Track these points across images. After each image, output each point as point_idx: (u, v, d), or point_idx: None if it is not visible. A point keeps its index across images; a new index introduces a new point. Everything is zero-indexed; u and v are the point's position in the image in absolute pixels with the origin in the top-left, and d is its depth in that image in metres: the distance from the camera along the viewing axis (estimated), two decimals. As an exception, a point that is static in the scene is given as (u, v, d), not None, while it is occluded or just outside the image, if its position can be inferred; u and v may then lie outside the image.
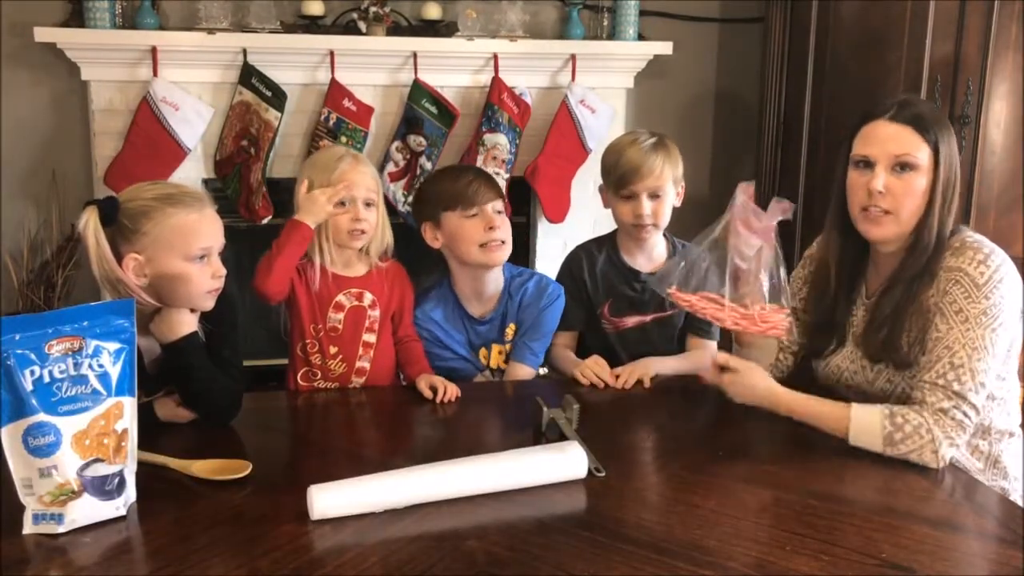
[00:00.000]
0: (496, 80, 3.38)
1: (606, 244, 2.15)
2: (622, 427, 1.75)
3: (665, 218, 2.04)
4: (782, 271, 1.62)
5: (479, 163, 3.40)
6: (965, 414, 1.50)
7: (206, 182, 3.35)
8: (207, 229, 1.55)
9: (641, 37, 3.56)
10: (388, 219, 1.97)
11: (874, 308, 1.68)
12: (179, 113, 3.18)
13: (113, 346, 1.27)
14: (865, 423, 1.52)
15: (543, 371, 2.42)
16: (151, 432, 1.50)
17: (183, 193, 1.56)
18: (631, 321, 2.11)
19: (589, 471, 1.41)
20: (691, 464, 1.49)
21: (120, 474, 1.27)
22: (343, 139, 3.30)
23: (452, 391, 1.79)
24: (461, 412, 1.82)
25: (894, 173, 1.59)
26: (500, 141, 3.41)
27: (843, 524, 1.29)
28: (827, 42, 3.22)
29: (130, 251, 1.51)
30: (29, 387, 1.20)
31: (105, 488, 1.26)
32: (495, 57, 3.39)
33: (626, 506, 1.34)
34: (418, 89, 3.33)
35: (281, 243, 1.81)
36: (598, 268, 2.12)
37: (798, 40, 3.29)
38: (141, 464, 1.34)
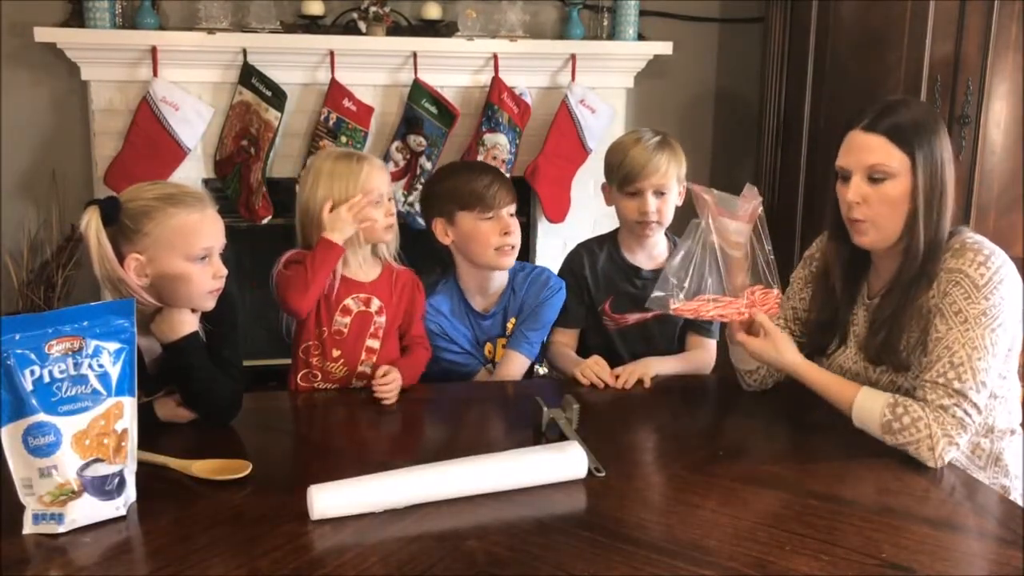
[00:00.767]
0: (496, 80, 3.38)
1: (607, 242, 2.16)
2: (622, 427, 1.75)
3: (669, 216, 2.05)
4: (769, 251, 1.64)
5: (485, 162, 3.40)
6: (966, 412, 1.50)
7: (206, 182, 3.35)
8: (208, 229, 1.55)
9: (641, 37, 3.56)
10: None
11: (874, 311, 1.68)
12: (179, 113, 3.18)
13: (113, 346, 1.27)
14: (868, 407, 1.54)
15: (543, 371, 2.42)
16: (151, 432, 1.50)
17: (184, 193, 1.56)
18: (632, 318, 2.11)
19: (589, 471, 1.41)
20: (691, 464, 1.49)
21: (120, 474, 1.27)
22: (343, 139, 3.30)
23: (390, 382, 1.77)
24: (461, 412, 1.82)
25: (869, 183, 1.60)
26: (500, 141, 3.41)
27: (843, 524, 1.29)
28: (827, 42, 3.22)
29: (131, 251, 1.51)
30: (29, 387, 1.20)
31: (105, 488, 1.26)
32: (495, 57, 3.39)
33: (626, 506, 1.34)
34: (418, 89, 3.34)
35: (316, 265, 1.80)
36: (599, 266, 2.12)
37: (798, 40, 3.29)
38: (141, 464, 1.34)
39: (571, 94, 3.46)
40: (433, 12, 3.37)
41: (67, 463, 1.23)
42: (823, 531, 1.26)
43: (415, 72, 3.34)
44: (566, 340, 2.14)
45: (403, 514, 1.29)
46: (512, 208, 2.01)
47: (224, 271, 1.58)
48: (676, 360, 2.05)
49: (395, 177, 3.40)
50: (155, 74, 3.16)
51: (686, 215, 2.09)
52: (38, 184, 3.34)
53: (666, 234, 2.13)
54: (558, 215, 3.57)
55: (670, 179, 2.01)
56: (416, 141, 3.37)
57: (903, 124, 1.58)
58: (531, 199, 3.63)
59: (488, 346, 2.08)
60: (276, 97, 3.22)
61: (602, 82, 3.53)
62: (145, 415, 1.47)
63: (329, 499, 1.27)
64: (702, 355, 2.10)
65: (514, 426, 1.74)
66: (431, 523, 1.28)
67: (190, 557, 1.17)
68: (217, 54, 3.23)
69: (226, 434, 1.60)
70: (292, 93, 3.27)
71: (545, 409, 1.58)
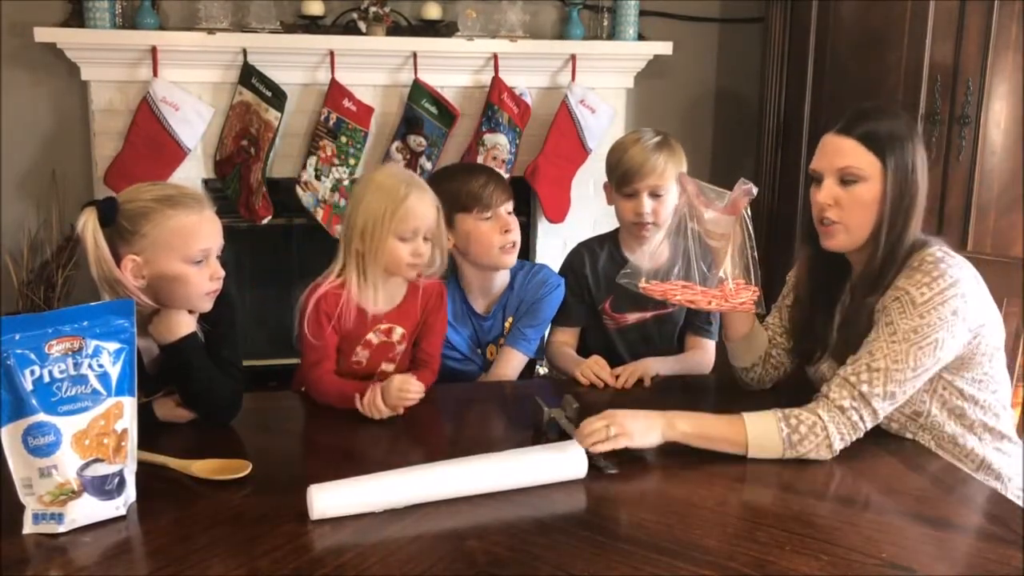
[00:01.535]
0: (496, 80, 3.38)
1: (608, 241, 2.16)
2: (622, 427, 1.75)
3: (667, 217, 2.04)
4: (751, 248, 1.63)
5: (479, 163, 3.40)
6: (862, 418, 1.52)
7: (206, 182, 3.35)
8: (206, 231, 1.55)
9: (641, 37, 3.56)
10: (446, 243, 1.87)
11: (843, 316, 1.69)
12: (179, 113, 3.18)
13: (113, 346, 1.27)
14: (761, 431, 1.51)
15: (543, 371, 2.42)
16: (151, 432, 1.50)
17: (182, 194, 1.55)
18: (632, 317, 2.11)
19: (595, 469, 1.41)
20: (691, 464, 1.49)
21: (120, 474, 1.27)
22: (343, 139, 3.30)
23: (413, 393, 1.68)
24: (461, 412, 1.82)
25: (841, 186, 1.61)
26: (500, 141, 3.41)
27: (843, 524, 1.29)
28: (827, 42, 3.22)
29: (128, 252, 1.51)
30: (29, 387, 1.20)
31: (105, 488, 1.26)
32: (495, 57, 3.39)
33: (626, 506, 1.34)
34: (418, 89, 3.34)
35: (332, 402, 1.72)
36: (600, 265, 2.13)
37: (798, 40, 3.29)
38: (141, 464, 1.34)
39: (571, 94, 3.46)
40: (433, 12, 3.37)
41: (67, 463, 1.23)
42: (823, 531, 1.26)
43: (415, 72, 3.34)
44: (566, 339, 2.14)
45: (403, 514, 1.29)
46: (510, 206, 2.01)
47: (221, 272, 1.57)
48: (675, 360, 2.06)
49: (395, 177, 3.40)
50: (155, 74, 3.16)
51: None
52: (38, 184, 3.34)
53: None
54: (558, 215, 3.57)
55: (667, 180, 2.01)
56: (416, 141, 3.37)
57: (876, 129, 1.60)
58: (531, 199, 3.63)
59: (490, 348, 2.07)
60: (276, 97, 3.22)
61: (602, 82, 3.53)
62: (144, 415, 1.47)
63: (329, 499, 1.27)
64: (701, 355, 2.10)
65: (514, 426, 1.74)
66: (431, 523, 1.28)
67: (190, 557, 1.17)
68: (217, 54, 3.23)
69: (226, 434, 1.60)
70: (292, 93, 3.27)
71: (546, 409, 1.58)
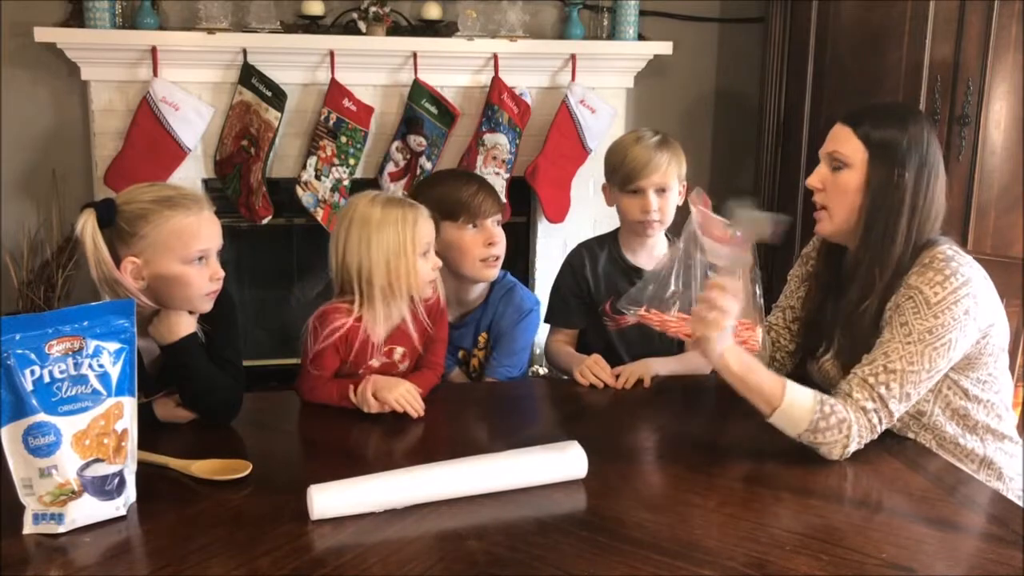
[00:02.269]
0: (496, 80, 3.38)
1: (608, 242, 2.15)
2: (622, 427, 1.75)
3: (670, 215, 2.04)
4: (758, 287, 1.60)
5: (479, 163, 3.40)
6: (880, 420, 1.51)
7: (206, 182, 3.35)
8: (205, 231, 1.54)
9: (641, 37, 3.56)
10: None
11: (845, 317, 1.69)
12: (179, 113, 3.18)
13: (113, 346, 1.27)
14: (798, 401, 1.49)
15: (543, 371, 2.42)
16: (151, 432, 1.50)
17: (181, 195, 1.55)
18: (632, 319, 2.11)
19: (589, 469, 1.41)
20: (691, 464, 1.49)
21: (120, 474, 1.27)
22: (343, 139, 3.30)
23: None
24: (461, 412, 1.82)
25: (831, 171, 1.65)
26: (500, 141, 3.41)
27: (843, 524, 1.29)
28: (827, 42, 3.22)
29: (128, 254, 1.51)
30: (29, 387, 1.20)
31: (105, 488, 1.26)
32: (495, 57, 3.39)
33: (626, 506, 1.34)
34: (418, 89, 3.34)
35: (335, 401, 1.72)
36: (600, 266, 2.12)
37: (798, 40, 3.29)
38: (141, 464, 1.34)
39: (571, 94, 3.46)
40: (433, 12, 3.37)
41: (67, 463, 1.23)
42: (823, 531, 1.26)
43: (415, 72, 3.34)
44: (565, 339, 2.13)
45: (403, 514, 1.29)
46: (498, 217, 1.99)
47: (221, 273, 1.57)
48: (676, 360, 2.05)
49: (395, 177, 3.40)
50: (155, 74, 3.16)
51: (685, 214, 2.09)
52: (38, 184, 3.34)
53: (666, 235, 2.13)
54: (558, 215, 3.57)
55: (671, 177, 2.01)
56: (416, 141, 3.37)
57: (874, 121, 1.62)
58: (531, 199, 3.63)
59: (461, 352, 2.07)
60: (276, 97, 3.22)
61: (602, 82, 3.53)
62: (145, 415, 1.47)
63: (329, 499, 1.27)
64: (700, 356, 2.10)
65: (514, 426, 1.74)
66: (431, 523, 1.28)
67: (190, 557, 1.17)
68: (217, 54, 3.23)
69: (226, 434, 1.60)
70: (292, 93, 3.27)
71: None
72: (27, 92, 3.30)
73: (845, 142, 1.63)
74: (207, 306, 1.58)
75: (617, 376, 1.90)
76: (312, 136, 3.32)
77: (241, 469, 1.40)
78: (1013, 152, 2.98)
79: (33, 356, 1.21)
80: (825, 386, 1.75)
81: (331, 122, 3.29)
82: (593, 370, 1.91)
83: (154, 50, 3.14)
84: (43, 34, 3.10)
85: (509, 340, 2.04)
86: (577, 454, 1.41)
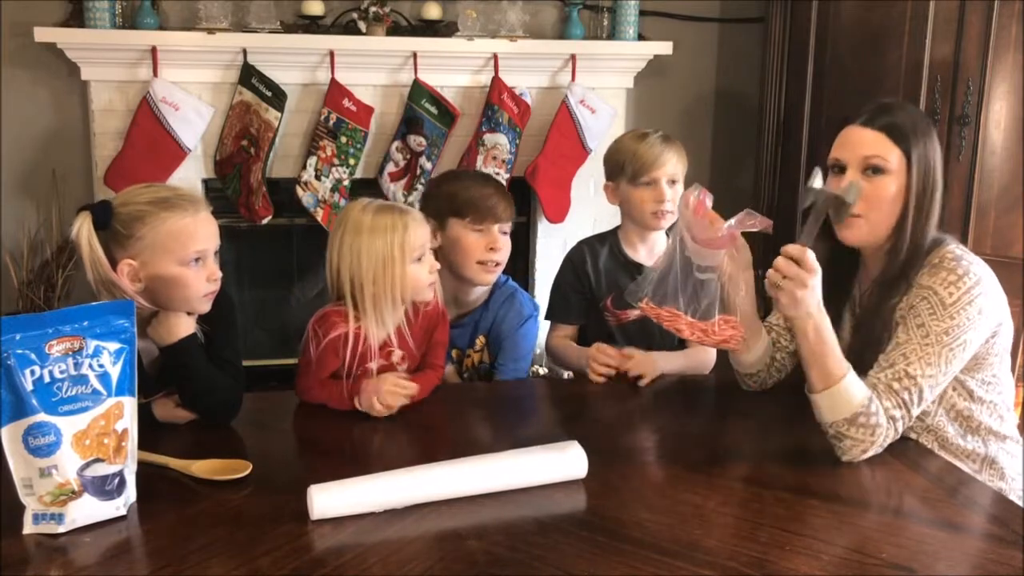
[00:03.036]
0: (496, 80, 3.38)
1: (608, 239, 2.16)
2: (622, 427, 1.75)
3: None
4: (749, 283, 1.60)
5: (479, 163, 3.40)
6: (902, 425, 1.51)
7: (206, 182, 3.35)
8: (202, 232, 1.54)
9: (641, 37, 3.56)
10: None
11: (859, 315, 1.69)
12: (179, 113, 3.18)
13: (113, 346, 1.27)
14: (852, 389, 1.47)
15: (543, 371, 2.42)
16: (151, 432, 1.50)
17: (177, 196, 1.54)
18: (634, 314, 2.11)
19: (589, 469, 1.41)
20: (691, 464, 1.49)
21: (120, 474, 1.27)
22: (343, 139, 3.30)
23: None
24: (461, 412, 1.82)
25: (865, 176, 1.60)
26: (500, 141, 3.41)
27: (843, 524, 1.29)
28: (827, 42, 3.21)
29: (124, 256, 1.50)
30: (29, 387, 1.20)
31: (105, 488, 1.26)
32: (495, 57, 3.39)
33: (626, 506, 1.34)
34: (418, 89, 3.34)
35: (333, 404, 1.72)
36: (601, 262, 2.13)
37: (798, 40, 3.29)
38: (141, 464, 1.34)
39: (571, 94, 3.46)
40: (433, 12, 3.37)
41: (67, 463, 1.23)
42: (823, 531, 1.26)
43: (415, 72, 3.34)
44: (567, 334, 2.13)
45: (403, 514, 1.29)
46: (506, 226, 1.99)
47: (219, 274, 1.57)
48: (681, 356, 2.05)
49: (395, 177, 3.40)
50: (155, 74, 3.16)
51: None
52: (38, 184, 3.34)
53: (667, 232, 2.13)
54: (558, 215, 3.57)
55: (679, 171, 2.05)
56: (416, 141, 3.37)
57: (900, 123, 1.60)
58: (531, 199, 3.63)
59: (455, 352, 2.07)
60: (276, 97, 3.22)
61: (602, 82, 3.53)
62: (144, 416, 1.47)
63: (329, 499, 1.27)
64: (704, 352, 2.10)
65: (514, 426, 1.74)
66: (431, 523, 1.28)
67: (190, 557, 1.17)
68: (217, 54, 3.23)
69: (226, 434, 1.59)
70: (292, 93, 3.27)
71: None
72: (27, 92, 3.29)
73: (881, 146, 1.58)
74: (205, 307, 1.58)
75: (627, 357, 1.89)
76: (312, 136, 3.32)
77: (241, 469, 1.40)
78: (1013, 152, 2.98)
79: (33, 356, 1.21)
80: None
81: (331, 122, 3.29)
82: (600, 359, 1.90)
83: (154, 50, 3.14)
84: (43, 34, 3.10)
85: (512, 345, 2.05)
86: (577, 454, 1.41)
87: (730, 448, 1.60)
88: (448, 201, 1.92)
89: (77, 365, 1.24)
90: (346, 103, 3.28)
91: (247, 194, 3.28)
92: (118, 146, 3.19)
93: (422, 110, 3.34)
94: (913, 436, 1.64)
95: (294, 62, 3.28)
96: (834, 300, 1.73)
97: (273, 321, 3.60)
